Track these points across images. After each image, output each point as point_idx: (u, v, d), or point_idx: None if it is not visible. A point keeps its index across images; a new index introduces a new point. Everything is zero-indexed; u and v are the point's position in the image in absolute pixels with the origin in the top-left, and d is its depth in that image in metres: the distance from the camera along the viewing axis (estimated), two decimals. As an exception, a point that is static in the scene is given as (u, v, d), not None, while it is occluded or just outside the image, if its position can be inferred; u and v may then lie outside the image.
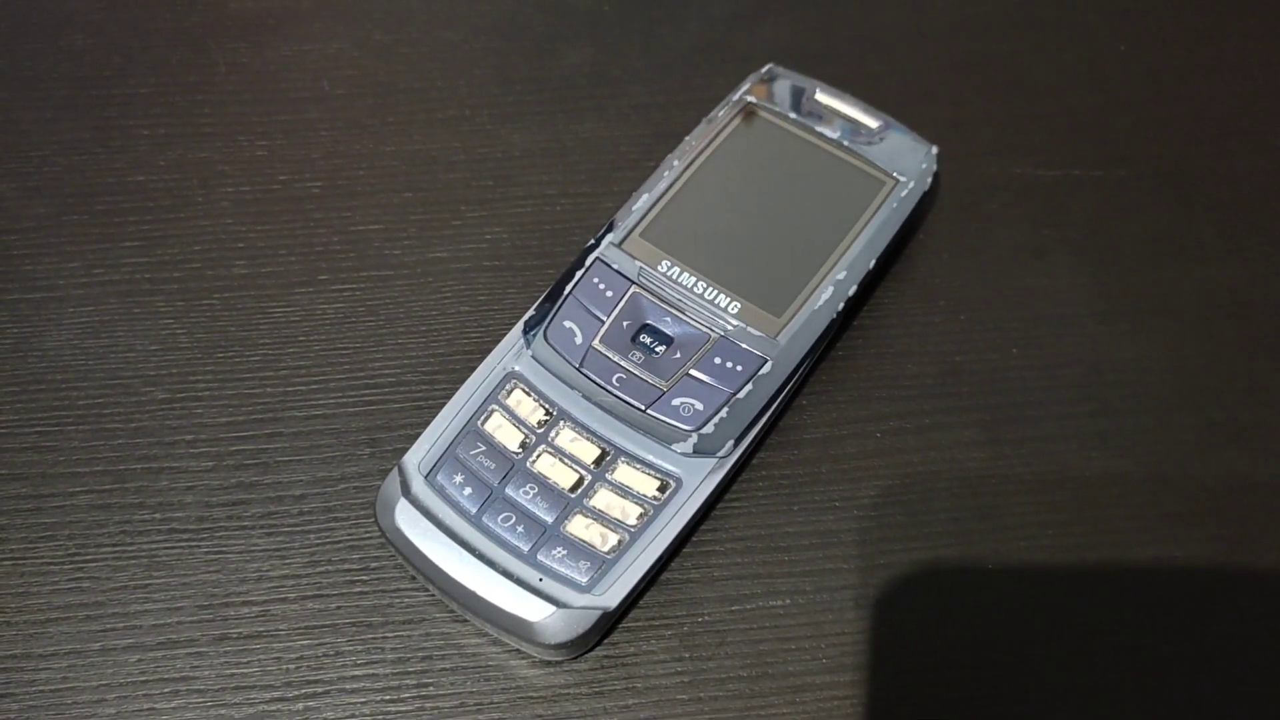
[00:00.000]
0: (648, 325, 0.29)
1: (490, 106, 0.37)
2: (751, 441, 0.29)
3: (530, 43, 0.38)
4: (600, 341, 0.29)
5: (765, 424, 0.29)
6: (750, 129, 0.33)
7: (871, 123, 0.33)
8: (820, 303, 0.30)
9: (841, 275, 0.30)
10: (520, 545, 0.27)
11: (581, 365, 0.29)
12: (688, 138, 0.33)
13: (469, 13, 0.39)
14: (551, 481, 0.28)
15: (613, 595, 0.26)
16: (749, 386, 0.28)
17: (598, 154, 0.36)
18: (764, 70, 0.34)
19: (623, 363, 0.29)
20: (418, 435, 0.28)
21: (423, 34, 0.39)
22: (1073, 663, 0.28)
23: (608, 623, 0.27)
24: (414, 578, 0.28)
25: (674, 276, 0.30)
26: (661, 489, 0.28)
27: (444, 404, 0.29)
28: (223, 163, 0.35)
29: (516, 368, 0.29)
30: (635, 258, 0.30)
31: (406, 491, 0.28)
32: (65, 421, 0.31)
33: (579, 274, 0.30)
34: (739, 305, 0.29)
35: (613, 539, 0.27)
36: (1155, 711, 0.27)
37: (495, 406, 0.29)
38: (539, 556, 0.27)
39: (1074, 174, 0.36)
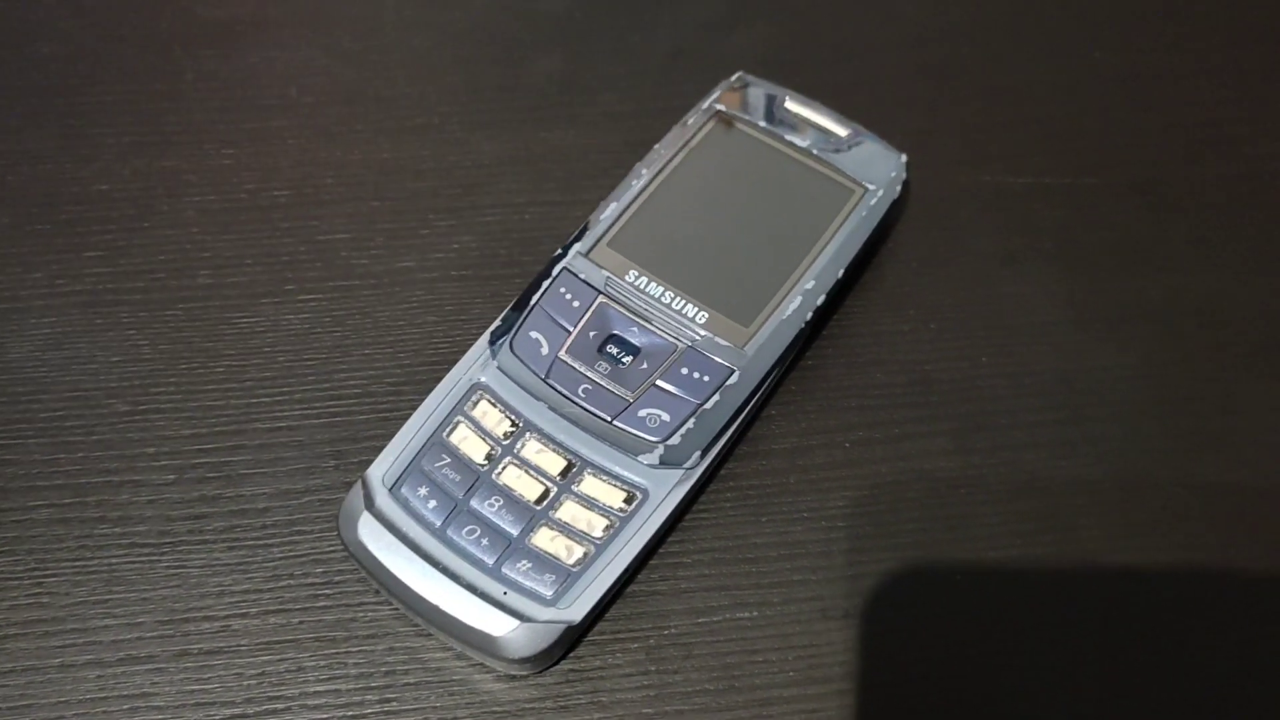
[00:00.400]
0: (614, 336, 0.29)
1: (460, 114, 0.37)
2: (719, 452, 0.29)
3: (500, 50, 0.38)
4: (567, 352, 0.29)
5: (733, 435, 0.29)
6: (720, 137, 0.33)
7: (841, 131, 0.33)
8: (789, 312, 0.29)
9: (810, 284, 0.30)
10: (485, 558, 0.27)
11: (547, 376, 0.28)
12: (657, 146, 0.33)
13: (439, 20, 0.39)
14: (517, 494, 0.28)
15: (578, 609, 0.26)
16: (716, 397, 0.28)
17: (568, 162, 0.36)
18: (734, 78, 0.34)
19: (589, 374, 0.28)
20: (383, 447, 0.28)
21: (392, 41, 0.38)
22: (1042, 671, 0.28)
23: (573, 636, 0.27)
24: (378, 592, 0.28)
25: (641, 286, 0.30)
26: (628, 501, 0.28)
27: (410, 415, 0.29)
28: (189, 171, 0.35)
29: (483, 379, 0.29)
30: (602, 267, 0.30)
31: (370, 505, 0.27)
32: (25, 434, 0.30)
33: (546, 284, 0.30)
34: (707, 315, 0.29)
35: (578, 551, 0.27)
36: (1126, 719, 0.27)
37: (461, 418, 0.29)
38: (504, 570, 0.27)
39: (1044, 182, 0.36)
